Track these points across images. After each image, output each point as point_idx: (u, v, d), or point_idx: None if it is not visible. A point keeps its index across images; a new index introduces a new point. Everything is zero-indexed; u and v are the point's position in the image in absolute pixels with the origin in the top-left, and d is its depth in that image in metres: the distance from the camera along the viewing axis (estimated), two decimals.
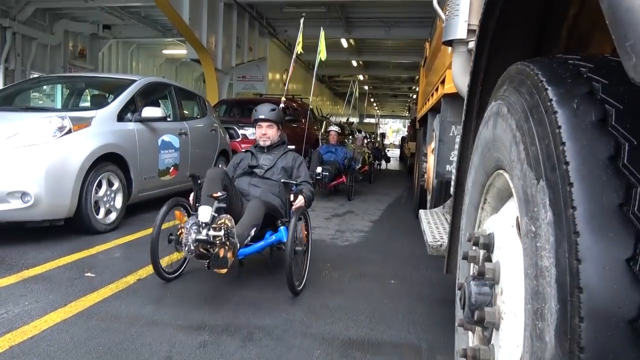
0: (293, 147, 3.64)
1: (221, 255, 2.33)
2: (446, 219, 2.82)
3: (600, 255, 0.67)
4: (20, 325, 2.22)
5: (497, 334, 1.04)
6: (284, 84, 17.24)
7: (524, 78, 0.97)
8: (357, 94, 16.01)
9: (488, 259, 1.18)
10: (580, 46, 1.49)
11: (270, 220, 2.93)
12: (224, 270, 2.37)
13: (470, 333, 1.35)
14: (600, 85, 0.80)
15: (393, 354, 2.15)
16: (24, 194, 3.45)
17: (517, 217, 1.06)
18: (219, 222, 2.37)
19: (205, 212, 2.51)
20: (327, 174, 6.75)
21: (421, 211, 3.09)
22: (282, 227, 2.92)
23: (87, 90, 5.70)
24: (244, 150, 3.60)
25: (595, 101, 0.78)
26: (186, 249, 2.46)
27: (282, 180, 3.12)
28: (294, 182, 3.11)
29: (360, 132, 17.57)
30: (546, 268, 0.74)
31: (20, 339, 2.09)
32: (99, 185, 4.02)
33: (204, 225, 2.48)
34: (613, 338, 0.64)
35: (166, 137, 5.06)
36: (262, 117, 3.28)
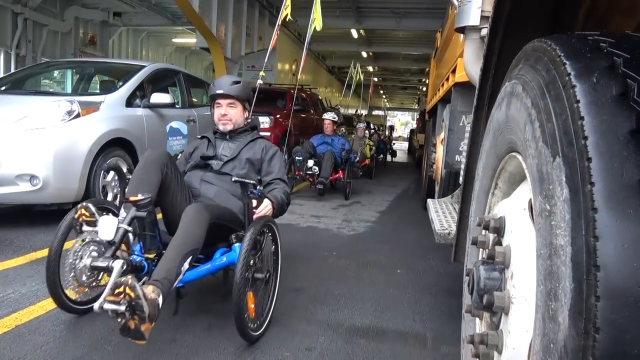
0: (267, 134, 3.04)
1: (132, 327, 1.55)
2: (454, 208, 2.79)
3: (619, 233, 0.64)
4: (27, 305, 2.23)
5: (507, 318, 1.01)
6: (294, 74, 17.18)
7: (540, 55, 0.94)
8: (358, 77, 13.07)
9: (498, 243, 1.15)
10: (598, 28, 1.45)
11: (225, 232, 2.14)
12: (142, 342, 1.59)
13: (477, 319, 1.32)
14: (622, 60, 0.76)
15: (397, 342, 2.14)
16: (32, 177, 3.47)
17: (530, 200, 1.03)
18: (117, 291, 1.52)
19: (107, 226, 1.75)
20: (318, 171, 5.81)
21: (429, 200, 3.06)
22: (236, 244, 2.09)
23: (96, 76, 5.70)
24: (199, 136, 2.71)
25: (617, 75, 0.75)
26: (71, 281, 1.72)
27: (233, 179, 2.20)
28: (253, 182, 2.19)
29: (368, 123, 17.26)
30: (561, 247, 0.71)
31: (27, 318, 2.10)
32: (107, 170, 4.02)
33: (107, 244, 1.77)
34: (631, 318, 0.61)
35: (174, 124, 5.05)
36: (220, 92, 2.44)
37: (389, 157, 15.28)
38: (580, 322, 0.65)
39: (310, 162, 5.81)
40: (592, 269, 0.64)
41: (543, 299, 0.77)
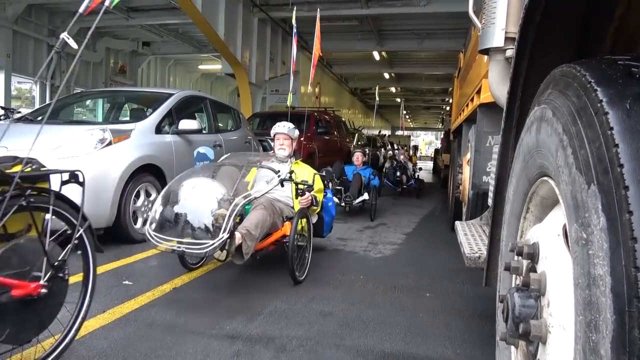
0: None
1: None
2: (484, 231, 2.75)
3: None
4: (61, 330, 2.27)
5: (544, 348, 0.99)
6: (317, 97, 17.38)
7: (570, 80, 0.94)
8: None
9: (532, 269, 1.13)
10: (627, 49, 1.43)
11: None
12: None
13: (512, 348, 1.29)
14: None
15: None
16: None
17: (564, 226, 1.01)
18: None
19: None
20: None
21: (457, 223, 3.01)
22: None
23: (126, 104, 5.89)
24: None
25: None
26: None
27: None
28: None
29: (392, 143, 16.78)
30: (600, 277, 0.70)
31: None
32: (137, 196, 4.12)
33: None
34: None
35: (201, 149, 5.15)
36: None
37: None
38: (623, 355, 0.63)
39: None
40: (634, 301, 0.62)
41: (583, 329, 0.75)
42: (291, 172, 3.27)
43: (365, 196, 6.32)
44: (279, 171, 3.18)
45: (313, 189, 3.44)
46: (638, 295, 0.62)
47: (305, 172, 3.65)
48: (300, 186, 3.30)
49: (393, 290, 3.19)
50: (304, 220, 3.36)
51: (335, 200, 5.00)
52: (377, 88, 14.64)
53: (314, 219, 3.67)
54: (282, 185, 3.17)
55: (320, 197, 3.66)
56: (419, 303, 2.96)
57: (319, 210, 3.71)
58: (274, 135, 3.81)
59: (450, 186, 6.11)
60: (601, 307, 0.69)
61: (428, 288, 3.26)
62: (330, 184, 5.55)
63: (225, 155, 3.73)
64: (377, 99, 14.24)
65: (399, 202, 8.52)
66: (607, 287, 0.67)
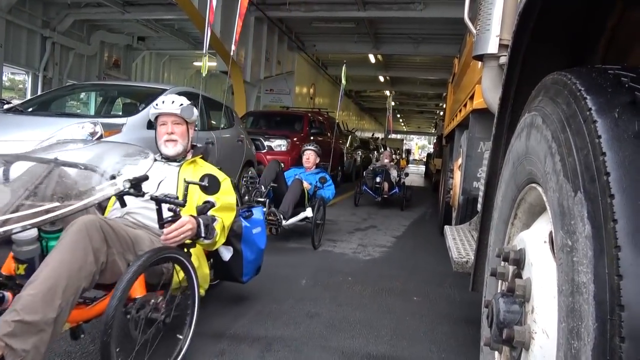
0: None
1: None
2: (472, 236, 2.76)
3: None
4: None
5: (527, 354, 0.99)
6: (311, 98, 17.39)
7: (560, 88, 0.94)
8: None
9: (518, 275, 1.13)
10: (619, 60, 1.44)
11: None
12: None
13: (496, 353, 1.30)
14: None
15: None
16: None
17: (550, 233, 1.01)
18: None
19: None
20: None
21: (446, 227, 3.02)
22: None
23: (119, 98, 5.85)
24: None
25: (639, 112, 0.75)
26: None
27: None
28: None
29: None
30: (583, 284, 0.70)
31: None
32: None
33: None
34: None
35: None
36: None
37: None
38: None
39: None
40: (616, 309, 0.63)
41: (565, 336, 0.75)
42: (141, 179, 1.65)
43: (308, 212, 4.39)
44: (114, 177, 1.65)
45: (211, 207, 1.99)
46: (620, 303, 0.62)
47: None
48: (167, 206, 1.81)
49: (381, 293, 3.19)
50: (177, 266, 1.87)
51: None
52: (344, 66, 9.93)
53: (227, 255, 2.38)
54: (123, 204, 1.68)
55: (227, 220, 2.19)
56: (406, 306, 2.96)
57: (220, 243, 2.19)
58: (155, 118, 2.33)
59: (441, 191, 6.13)
60: (584, 315, 0.69)
61: (416, 291, 3.27)
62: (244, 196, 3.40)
63: (44, 142, 2.09)
64: (344, 80, 9.85)
65: (391, 205, 8.51)
66: (590, 294, 0.68)
